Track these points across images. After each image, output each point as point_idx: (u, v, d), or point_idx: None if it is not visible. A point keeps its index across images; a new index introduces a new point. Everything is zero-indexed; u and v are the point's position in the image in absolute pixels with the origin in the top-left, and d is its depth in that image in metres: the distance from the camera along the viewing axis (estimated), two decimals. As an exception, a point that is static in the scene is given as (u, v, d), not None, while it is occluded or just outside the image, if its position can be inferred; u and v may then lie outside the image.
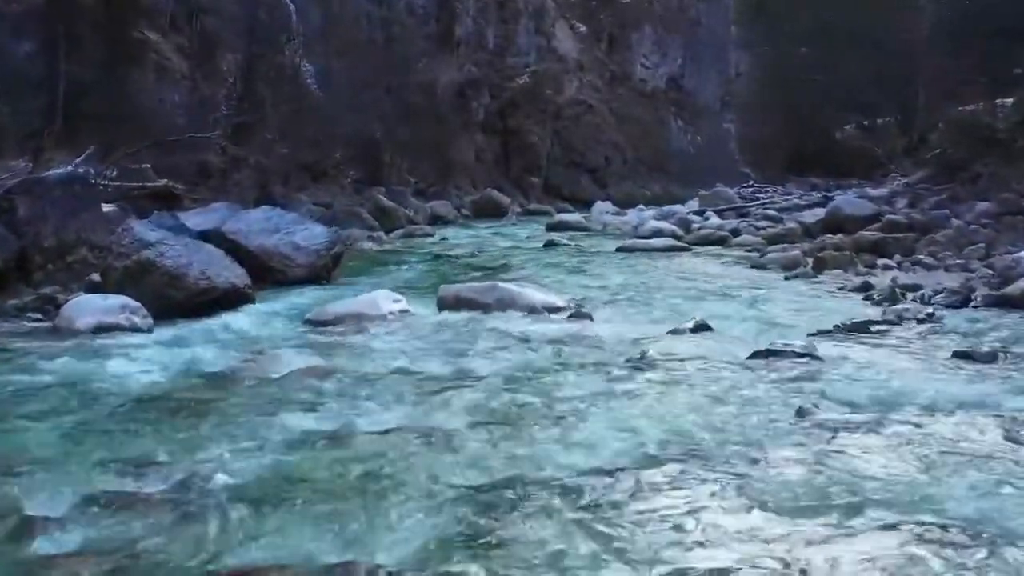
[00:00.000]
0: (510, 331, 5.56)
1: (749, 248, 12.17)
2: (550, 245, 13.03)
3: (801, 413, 3.38)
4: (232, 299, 7.15)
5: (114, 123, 12.31)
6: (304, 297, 7.91)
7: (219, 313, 6.79)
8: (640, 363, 4.35)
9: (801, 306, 6.78)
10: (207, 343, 5.43)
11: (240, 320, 6.54)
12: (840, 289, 7.92)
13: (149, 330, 6.03)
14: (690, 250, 12.20)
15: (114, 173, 10.58)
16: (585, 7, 34.27)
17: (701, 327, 5.39)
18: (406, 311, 6.62)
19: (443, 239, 14.97)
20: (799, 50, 24.13)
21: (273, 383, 4.09)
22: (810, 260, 9.92)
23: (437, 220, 20.27)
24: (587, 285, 8.53)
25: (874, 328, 5.27)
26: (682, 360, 4.37)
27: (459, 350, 4.92)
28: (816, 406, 3.43)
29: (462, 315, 6.52)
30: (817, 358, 4.35)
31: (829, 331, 5.27)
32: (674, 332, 5.31)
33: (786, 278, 8.84)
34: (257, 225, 9.29)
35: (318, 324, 6.40)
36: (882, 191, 14.54)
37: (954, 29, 15.57)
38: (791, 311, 6.52)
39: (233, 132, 13.28)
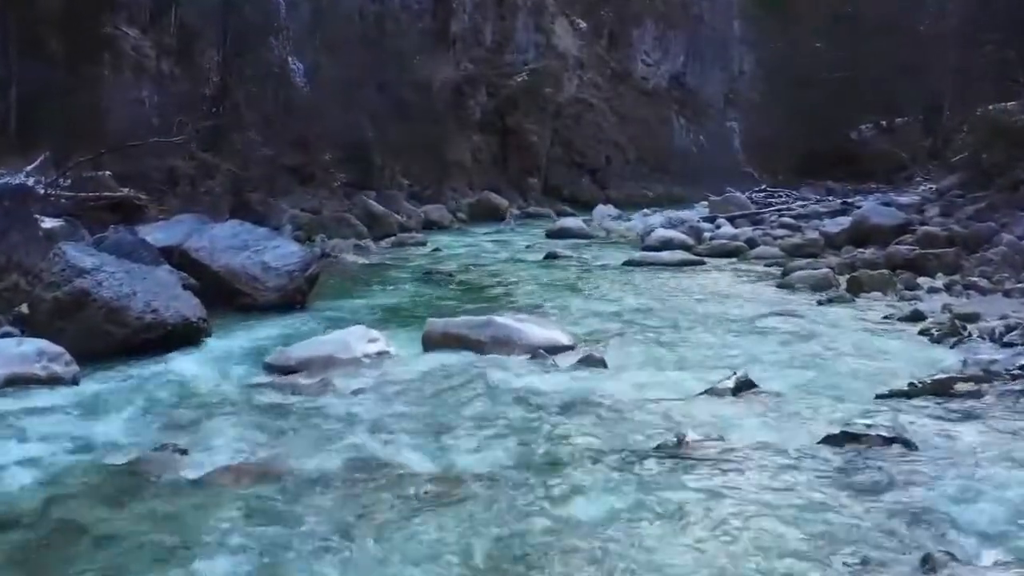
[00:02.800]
0: (506, 388, 4.53)
1: (768, 261, 11.14)
2: (551, 258, 11.99)
3: (929, 564, 2.36)
4: (183, 336, 6.12)
5: (76, 126, 11.26)
6: (271, 328, 6.89)
7: (166, 353, 5.77)
8: (676, 454, 3.32)
9: (851, 346, 5.74)
10: (133, 405, 4.39)
11: (188, 364, 5.51)
12: (886, 319, 6.89)
13: (73, 382, 5.00)
14: (704, 263, 11.16)
15: (68, 182, 9.53)
16: (585, 3, 33.26)
17: (744, 384, 4.36)
18: (384, 352, 5.59)
19: (435, 250, 13.91)
20: (813, 45, 22.92)
21: (187, 493, 3.06)
22: (842, 280, 8.91)
23: (432, 225, 19.23)
24: (595, 311, 7.50)
25: (960, 388, 4.24)
26: (732, 448, 3.34)
27: (441, 423, 3.89)
28: (949, 554, 2.40)
29: (450, 358, 5.49)
30: (910, 445, 3.33)
31: (904, 392, 4.24)
32: (711, 393, 4.27)
33: (819, 303, 7.80)
34: (223, 242, 8.26)
35: (279, 370, 5.37)
36: (912, 198, 13.50)
37: (984, 21, 14.48)
38: (841, 354, 5.48)
39: (207, 134, 12.20)
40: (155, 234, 9.12)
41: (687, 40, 35.11)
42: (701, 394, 4.30)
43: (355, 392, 4.48)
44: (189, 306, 6.33)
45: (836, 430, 3.58)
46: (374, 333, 5.77)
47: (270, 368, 5.44)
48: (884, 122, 23.08)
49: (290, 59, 20.82)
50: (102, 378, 5.09)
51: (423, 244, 14.91)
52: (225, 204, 11.57)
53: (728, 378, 4.38)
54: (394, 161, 22.24)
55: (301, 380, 4.97)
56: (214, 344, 6.14)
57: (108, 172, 10.17)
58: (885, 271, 8.65)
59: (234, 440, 3.64)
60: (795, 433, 3.57)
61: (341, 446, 3.53)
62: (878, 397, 4.23)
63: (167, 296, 6.27)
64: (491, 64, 29.29)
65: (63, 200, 9.24)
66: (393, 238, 15.54)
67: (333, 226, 16.00)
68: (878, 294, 8.14)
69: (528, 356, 5.40)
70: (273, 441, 3.65)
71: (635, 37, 34.23)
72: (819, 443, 3.37)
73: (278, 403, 4.34)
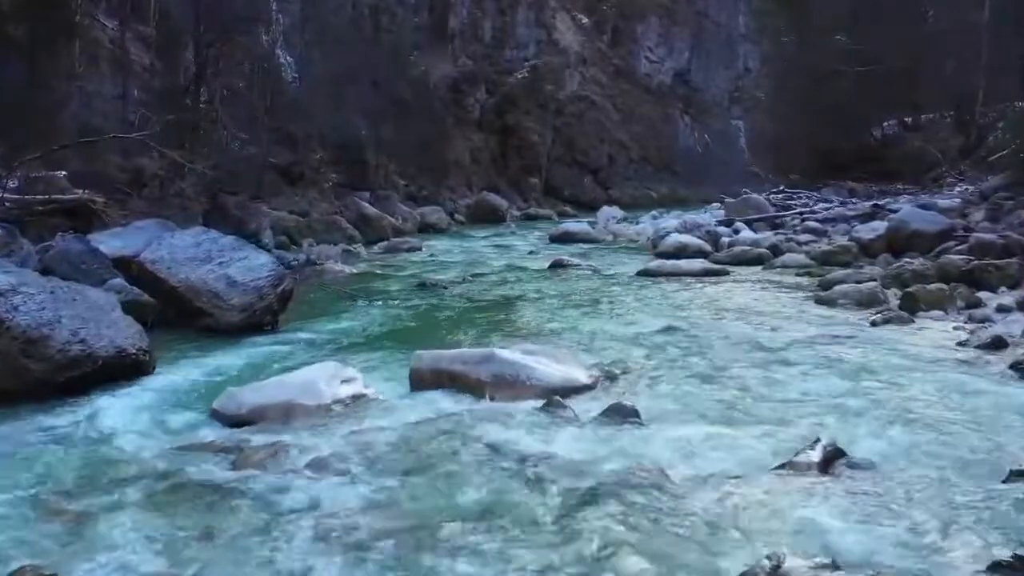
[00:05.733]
0: (515, 456, 3.44)
1: (799, 271, 10.06)
2: (557, 266, 10.89)
3: None
4: (118, 371, 5.04)
5: (32, 122, 10.16)
6: (231, 357, 5.81)
7: (94, 394, 4.70)
8: (776, 591, 2.24)
9: (936, 387, 4.65)
10: (19, 481, 3.30)
11: (115, 411, 4.43)
12: (961, 346, 5.80)
13: (-41, 438, 3.92)
14: (727, 273, 10.07)
15: (14, 184, 8.44)
16: (587, -3, 32.32)
17: (832, 453, 3.27)
18: (361, 396, 4.51)
19: (431, 256, 12.83)
20: (829, 38, 21.72)
21: None
22: (892, 294, 7.84)
23: (428, 228, 18.26)
24: (614, 335, 6.40)
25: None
26: (856, 581, 2.25)
27: (424, 523, 2.80)
28: None
29: (443, 404, 4.42)
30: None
31: (1050, 467, 3.16)
32: (791, 468, 3.18)
33: (873, 323, 6.72)
34: (184, 252, 7.18)
35: (227, 420, 4.29)
36: (952, 201, 12.38)
37: (1017, 14, 13.36)
38: (929, 399, 4.39)
39: (179, 131, 11.08)
40: (111, 242, 8.06)
41: (691, 36, 34.21)
42: (777, 469, 3.21)
43: (314, 464, 3.38)
44: (127, 335, 5.23)
45: (986, 543, 2.50)
46: (349, 371, 4.67)
47: (217, 416, 4.36)
48: (909, 119, 21.80)
49: (279, 52, 19.80)
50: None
51: (418, 249, 13.88)
52: (198, 208, 10.45)
53: (811, 446, 3.28)
54: (389, 161, 21.21)
55: (250, 439, 3.87)
56: (156, 381, 5.07)
57: (62, 172, 9.05)
58: (943, 285, 7.56)
59: (127, 556, 2.55)
60: (935, 550, 2.49)
61: (277, 570, 2.44)
62: (1013, 476, 3.14)
63: (100, 322, 5.18)
64: (490, 60, 28.30)
65: (6, 204, 8.14)
66: (386, 243, 14.51)
67: (322, 230, 14.95)
68: (938, 312, 7.06)
69: (540, 402, 4.31)
70: (183, 558, 2.55)
71: (639, 33, 33.29)
72: (982, 573, 2.29)
73: (209, 481, 3.24)
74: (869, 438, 3.69)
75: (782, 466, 3.22)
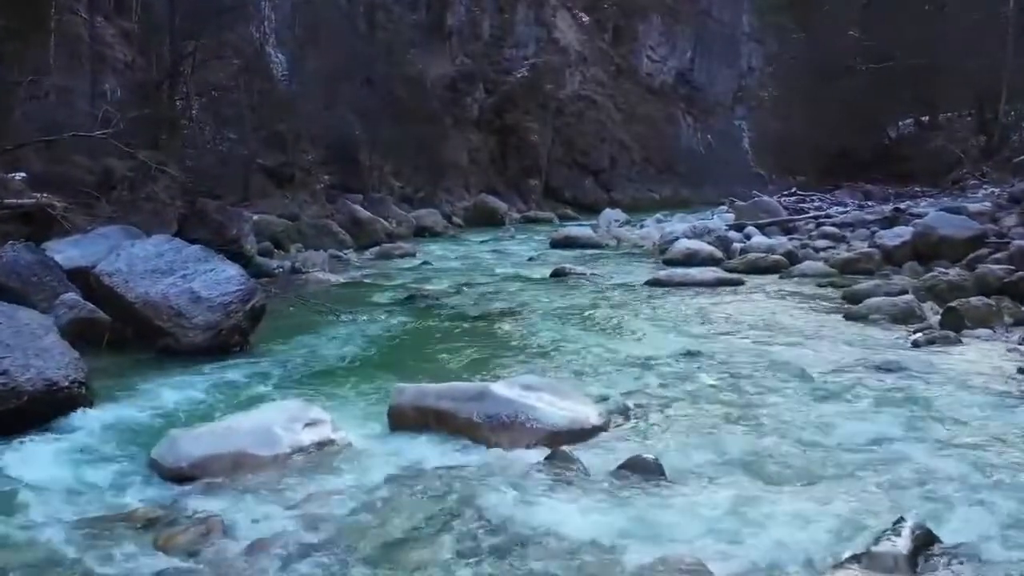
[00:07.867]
0: (509, 532, 2.70)
1: (820, 281, 9.33)
2: (559, 275, 10.16)
3: None
4: (48, 407, 4.30)
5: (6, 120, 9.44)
6: (189, 387, 5.08)
7: (14, 438, 3.96)
8: None
9: (1008, 431, 3.92)
10: None
11: (30, 464, 3.71)
12: (1021, 373, 5.05)
13: None
14: (743, 283, 9.33)
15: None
16: (588, -5, 31.64)
17: (922, 539, 2.53)
18: (328, 442, 3.77)
19: (425, 263, 12.08)
20: (842, 34, 20.91)
21: None
22: (928, 309, 7.11)
23: (424, 232, 17.55)
24: (625, 359, 5.67)
25: None
26: None
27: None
28: None
29: (426, 454, 3.70)
30: None
31: None
32: (872, 562, 2.43)
33: (916, 344, 5.99)
34: (144, 263, 6.44)
35: (165, 475, 3.55)
36: (982, 205, 11.62)
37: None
38: (1007, 451, 3.66)
39: (156, 130, 10.33)
40: (68, 251, 7.33)
41: (694, 35, 33.54)
42: (851, 562, 2.47)
43: (255, 548, 2.64)
44: (59, 364, 4.48)
45: None
46: (314, 411, 3.93)
47: (155, 468, 3.62)
48: (926, 118, 21.01)
49: (269, 49, 19.10)
50: None
51: (412, 255, 13.16)
52: (173, 212, 9.70)
53: (894, 531, 2.54)
54: (383, 161, 20.52)
55: (185, 505, 3.13)
56: (93, 419, 4.33)
57: (20, 174, 8.31)
58: (987, 300, 6.81)
59: None
60: None
61: None
62: None
63: (27, 350, 4.43)
64: (489, 59, 27.62)
65: (-46, 209, 7.41)
66: (378, 248, 13.79)
67: (312, 234, 14.25)
68: (985, 331, 6.34)
69: (543, 452, 3.58)
70: None
71: (640, 31, 32.63)
72: None
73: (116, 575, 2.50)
74: (955, 510, 2.95)
75: (857, 558, 2.48)
